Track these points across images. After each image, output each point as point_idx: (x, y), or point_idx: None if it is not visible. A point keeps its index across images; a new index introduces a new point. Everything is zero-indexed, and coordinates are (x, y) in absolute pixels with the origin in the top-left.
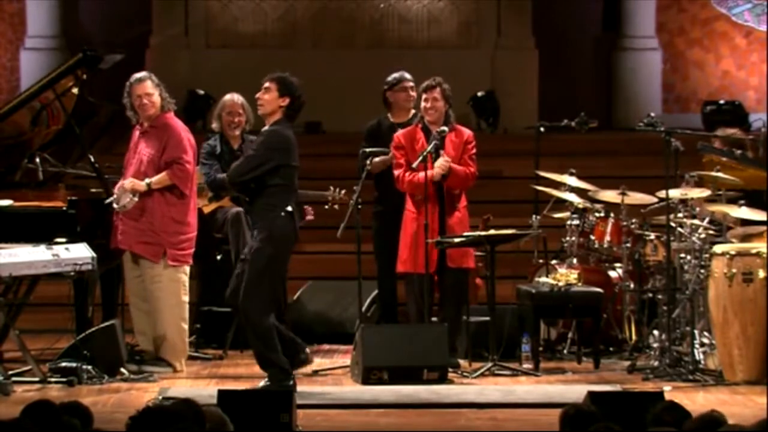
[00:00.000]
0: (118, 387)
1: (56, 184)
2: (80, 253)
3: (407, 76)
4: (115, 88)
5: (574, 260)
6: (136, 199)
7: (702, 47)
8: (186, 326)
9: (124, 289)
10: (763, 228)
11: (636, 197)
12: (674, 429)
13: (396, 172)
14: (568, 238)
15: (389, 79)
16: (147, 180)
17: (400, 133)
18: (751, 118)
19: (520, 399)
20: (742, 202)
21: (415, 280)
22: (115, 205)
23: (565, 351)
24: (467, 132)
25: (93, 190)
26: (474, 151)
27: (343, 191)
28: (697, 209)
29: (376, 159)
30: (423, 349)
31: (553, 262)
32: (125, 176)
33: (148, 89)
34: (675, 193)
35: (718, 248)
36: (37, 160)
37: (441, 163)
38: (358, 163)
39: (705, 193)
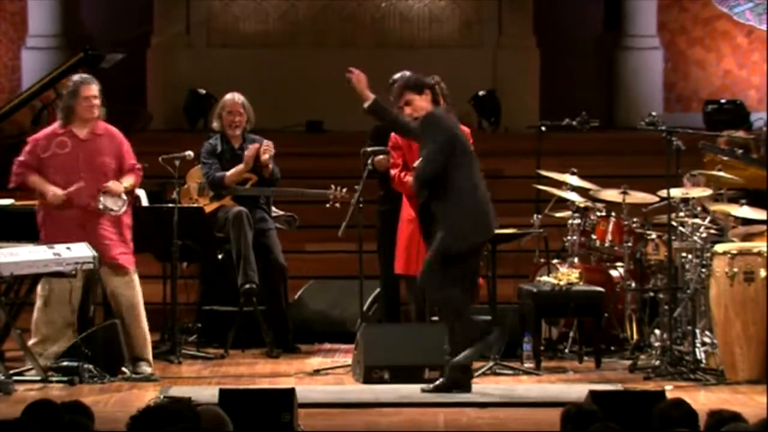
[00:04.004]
0: (119, 386)
1: None
2: (81, 252)
3: (407, 75)
4: (117, 88)
5: (576, 259)
6: (126, 201)
7: (703, 46)
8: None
9: None
10: (764, 227)
11: (637, 196)
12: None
13: (392, 172)
14: (569, 238)
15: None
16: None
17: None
18: (753, 117)
19: (522, 398)
20: (744, 201)
21: (414, 280)
22: (104, 208)
23: (566, 350)
24: (464, 130)
25: None
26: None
27: (344, 190)
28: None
29: (380, 157)
30: (424, 348)
31: (555, 261)
32: (106, 182)
33: (96, 92)
34: (676, 192)
35: (719, 247)
36: None
37: None
38: (362, 162)
39: (706, 191)
